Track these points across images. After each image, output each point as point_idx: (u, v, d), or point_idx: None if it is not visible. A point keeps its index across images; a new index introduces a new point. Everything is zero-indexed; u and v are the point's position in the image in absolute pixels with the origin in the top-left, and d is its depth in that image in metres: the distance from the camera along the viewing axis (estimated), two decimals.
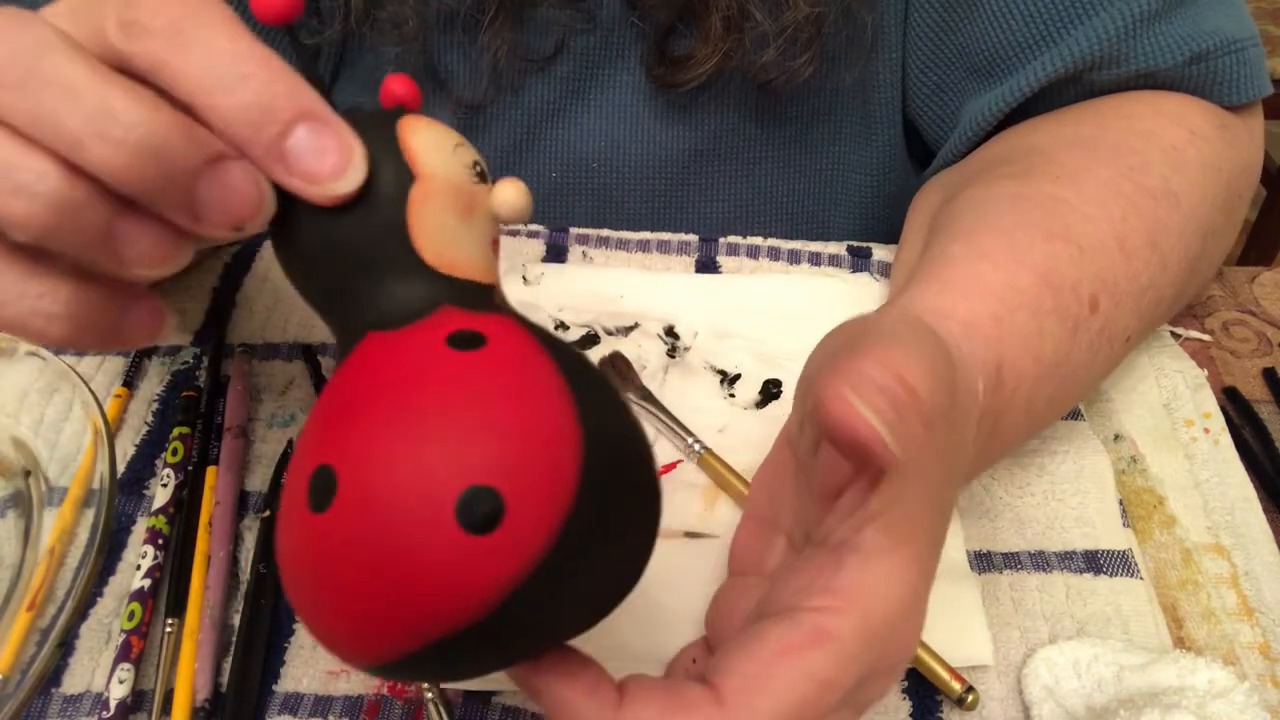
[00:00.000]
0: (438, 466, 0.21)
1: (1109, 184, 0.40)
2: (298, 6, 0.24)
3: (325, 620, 0.23)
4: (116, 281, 0.25)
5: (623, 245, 0.51)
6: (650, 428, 0.43)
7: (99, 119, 0.22)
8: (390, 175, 0.25)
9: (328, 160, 0.24)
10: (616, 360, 0.45)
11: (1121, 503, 0.41)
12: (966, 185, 0.43)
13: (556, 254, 0.51)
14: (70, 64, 0.22)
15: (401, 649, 0.22)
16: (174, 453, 0.40)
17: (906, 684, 0.35)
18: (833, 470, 0.28)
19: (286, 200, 0.25)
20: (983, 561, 0.39)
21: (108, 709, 0.33)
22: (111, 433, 0.36)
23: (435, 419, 0.22)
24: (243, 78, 0.23)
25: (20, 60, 0.22)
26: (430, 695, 0.34)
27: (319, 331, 0.47)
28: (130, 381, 0.44)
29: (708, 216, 0.55)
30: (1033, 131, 0.46)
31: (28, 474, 0.38)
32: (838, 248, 0.52)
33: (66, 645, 0.35)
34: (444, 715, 0.34)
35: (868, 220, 0.57)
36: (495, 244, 0.27)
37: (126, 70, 0.23)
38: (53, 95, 0.22)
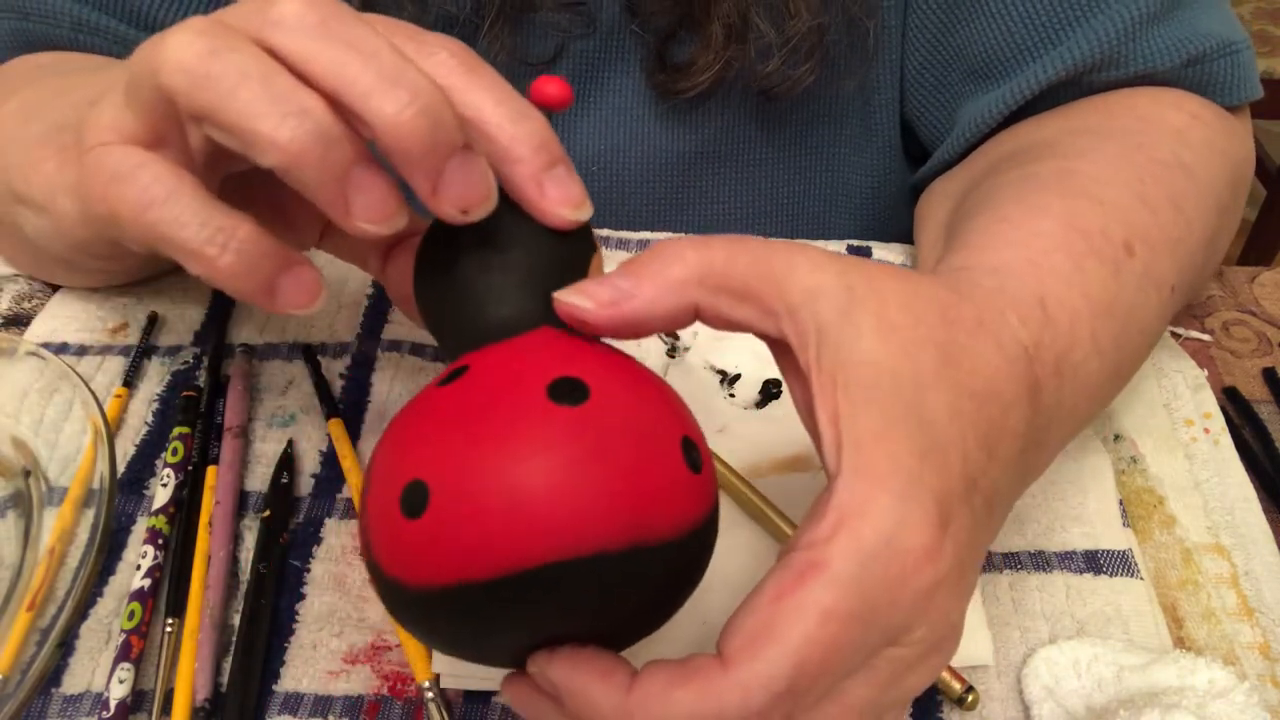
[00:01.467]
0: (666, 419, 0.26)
1: (1120, 154, 0.40)
2: (568, 99, 0.29)
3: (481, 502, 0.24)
4: (288, 244, 0.28)
5: (623, 245, 0.51)
6: None
7: (393, 76, 0.25)
8: (587, 241, 0.30)
9: (574, 192, 0.28)
10: None
11: (1121, 503, 0.41)
12: (980, 183, 0.43)
13: None
14: (371, 32, 0.26)
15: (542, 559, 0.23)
16: (174, 453, 0.40)
17: None
18: (796, 393, 0.28)
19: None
20: (983, 561, 0.39)
21: (108, 709, 0.33)
22: (111, 433, 0.36)
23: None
24: (527, 116, 0.27)
25: (322, 15, 0.26)
26: (430, 695, 0.34)
27: (319, 331, 0.47)
28: (130, 381, 0.44)
29: (707, 219, 0.55)
30: (1038, 128, 0.46)
31: (28, 474, 0.38)
32: (838, 246, 0.52)
33: (66, 645, 0.35)
34: (444, 715, 0.34)
35: (868, 220, 0.57)
36: None
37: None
38: (352, 50, 0.25)
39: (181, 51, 0.25)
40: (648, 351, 0.46)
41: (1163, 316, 0.39)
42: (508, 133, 0.27)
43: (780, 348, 0.28)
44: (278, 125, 0.25)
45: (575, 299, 0.27)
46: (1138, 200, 0.37)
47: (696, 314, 0.28)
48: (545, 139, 0.27)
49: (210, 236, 0.26)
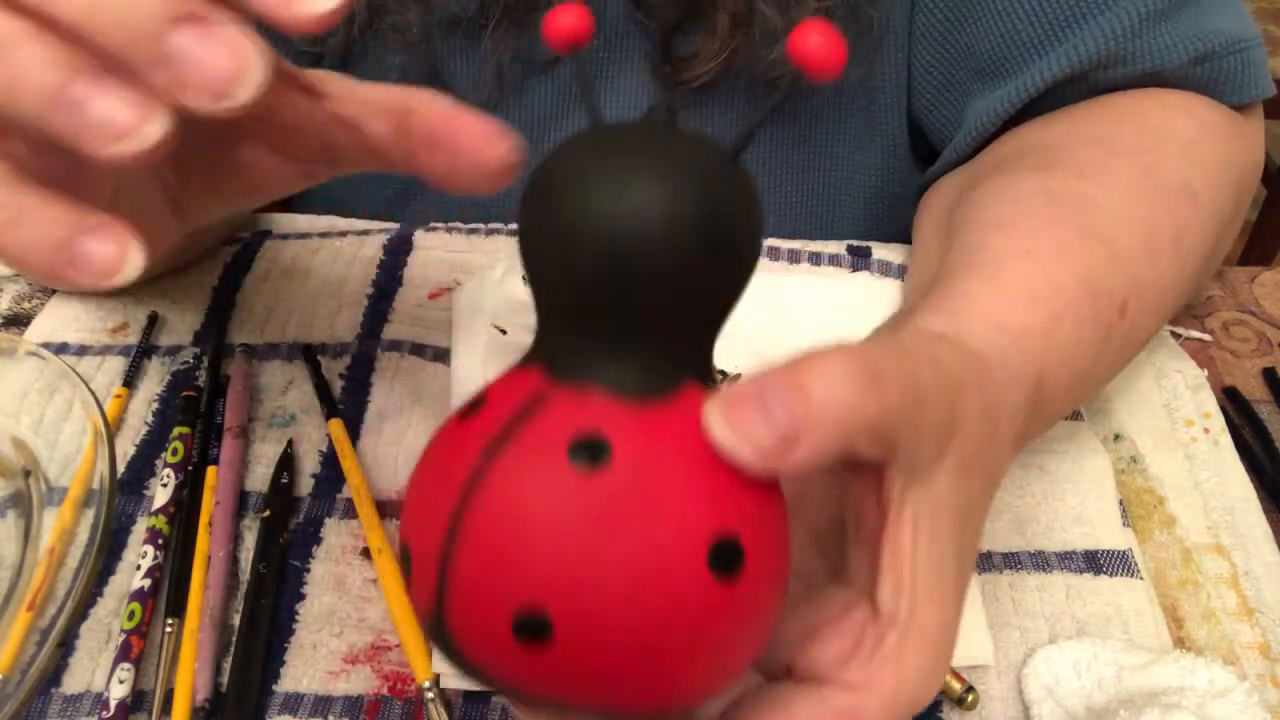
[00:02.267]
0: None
1: (1131, 181, 0.40)
2: (588, 34, 0.23)
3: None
4: (77, 201, 0.23)
5: None
6: None
7: None
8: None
9: (220, 62, 0.21)
10: None
11: (1121, 503, 0.41)
12: (987, 177, 0.43)
13: None
14: None
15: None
16: (174, 453, 0.40)
17: None
18: (859, 511, 0.27)
19: None
20: (983, 561, 0.39)
21: (108, 709, 0.33)
22: (111, 433, 0.36)
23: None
24: None
25: None
26: (430, 695, 0.34)
27: (319, 331, 0.47)
28: (130, 381, 0.44)
29: None
30: (1046, 128, 0.46)
31: (28, 474, 0.38)
32: (838, 247, 0.52)
33: (66, 645, 0.35)
34: (444, 715, 0.34)
35: (871, 219, 0.57)
36: None
37: None
38: None
39: None
40: None
41: (1130, 361, 0.41)
42: (84, 20, 0.21)
43: (857, 467, 0.26)
44: None
45: (735, 446, 0.22)
46: (1143, 248, 0.38)
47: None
48: (136, 11, 0.21)
49: None
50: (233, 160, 0.32)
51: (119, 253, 0.23)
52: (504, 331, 0.46)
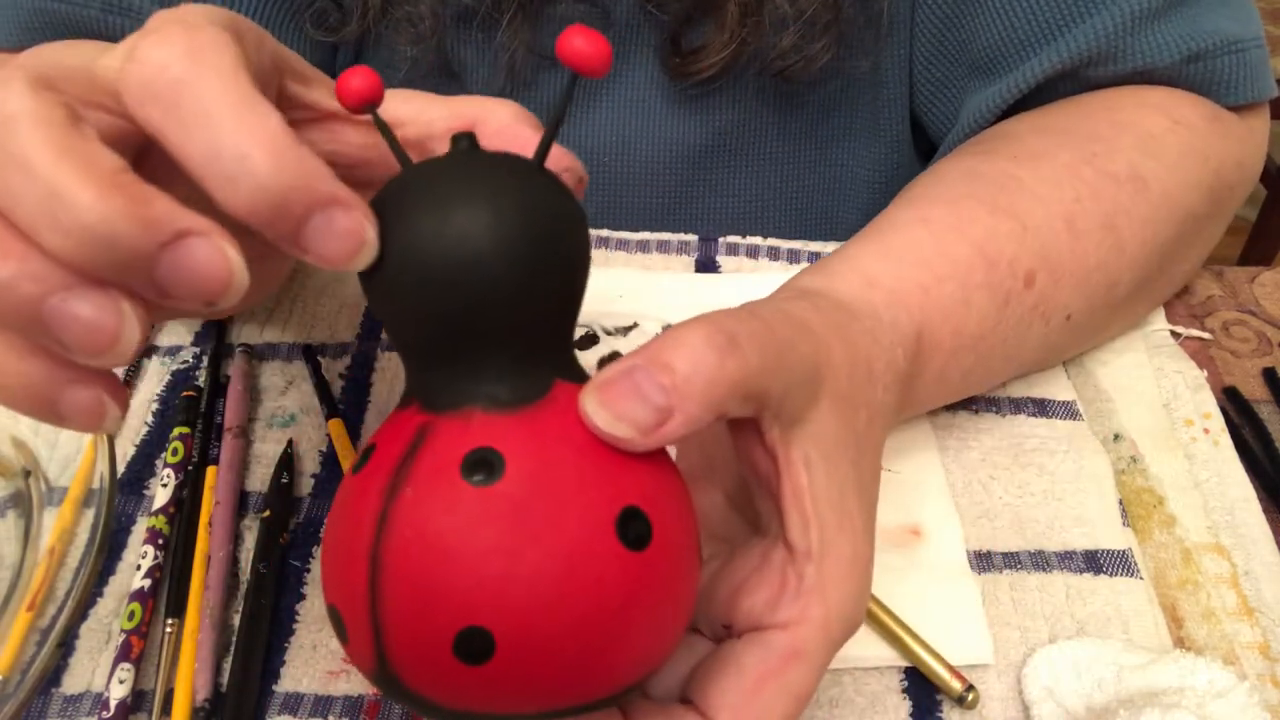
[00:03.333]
0: None
1: (1067, 166, 0.41)
2: (378, 93, 0.24)
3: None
4: (61, 363, 0.23)
5: (622, 245, 0.51)
6: None
7: (49, 204, 0.20)
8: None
9: (339, 245, 0.23)
10: (616, 360, 0.45)
11: (1121, 503, 0.41)
12: (933, 166, 0.44)
13: None
14: (31, 140, 0.21)
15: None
16: (174, 453, 0.40)
17: (906, 683, 0.35)
18: (753, 465, 0.28)
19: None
20: (983, 561, 0.39)
21: (108, 709, 0.33)
22: (111, 433, 0.36)
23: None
24: (247, 172, 0.21)
25: None
26: None
27: (319, 331, 0.47)
28: (130, 381, 0.44)
29: (717, 212, 0.55)
30: (1013, 121, 0.47)
31: (28, 474, 0.38)
32: (837, 247, 0.52)
33: (66, 645, 0.35)
34: None
35: (874, 216, 0.57)
36: None
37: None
38: (12, 175, 0.21)
39: None
40: None
41: (1049, 342, 0.41)
42: (231, 206, 0.22)
43: (739, 425, 0.28)
44: None
45: (616, 429, 0.23)
46: (1064, 224, 0.39)
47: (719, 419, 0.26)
48: (275, 198, 0.22)
49: None
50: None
51: (96, 406, 0.23)
52: None
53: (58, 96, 0.22)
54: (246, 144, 0.21)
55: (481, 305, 0.23)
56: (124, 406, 0.24)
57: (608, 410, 0.23)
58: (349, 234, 0.23)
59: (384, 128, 0.25)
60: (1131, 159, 0.41)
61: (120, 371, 0.44)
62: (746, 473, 0.29)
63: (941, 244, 0.37)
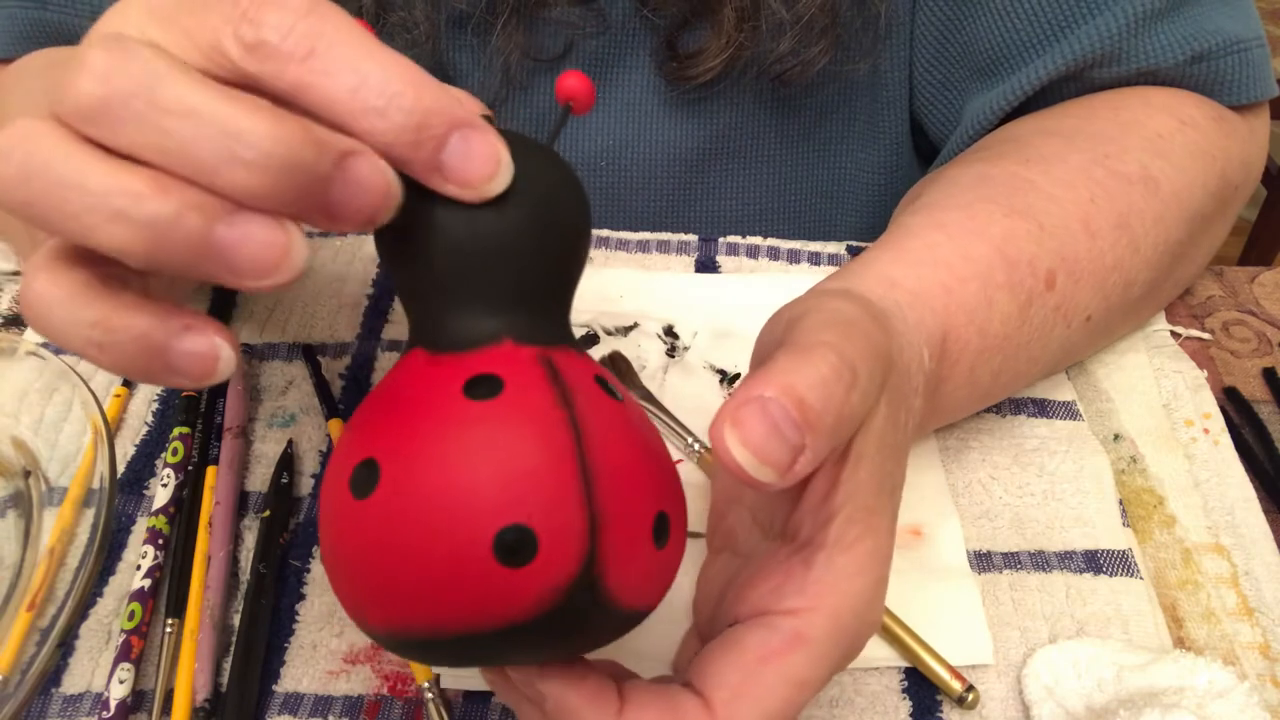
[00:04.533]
0: (481, 501, 0.23)
1: (1079, 168, 0.40)
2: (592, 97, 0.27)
3: (367, 591, 0.24)
4: (171, 311, 0.24)
5: (623, 245, 0.51)
6: None
7: (226, 142, 0.21)
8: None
9: (480, 166, 0.24)
10: (616, 360, 0.45)
11: (1121, 503, 0.41)
12: (940, 172, 0.44)
13: None
14: (188, 89, 0.22)
15: (424, 637, 0.24)
16: (174, 453, 0.40)
17: (906, 683, 0.35)
18: None
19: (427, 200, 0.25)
20: (983, 561, 0.39)
21: (108, 709, 0.33)
22: (111, 433, 0.36)
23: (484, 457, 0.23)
24: (394, 97, 0.23)
25: (135, 92, 0.21)
26: (430, 695, 0.34)
27: (319, 331, 0.47)
28: (130, 381, 0.44)
29: (716, 214, 0.55)
30: (1019, 124, 0.47)
31: (28, 474, 0.38)
32: (837, 247, 0.52)
33: (66, 645, 0.35)
34: (444, 715, 0.34)
35: (873, 219, 0.57)
36: None
37: (251, 89, 0.23)
38: (177, 124, 0.21)
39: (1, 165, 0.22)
40: (648, 352, 0.46)
41: (1070, 343, 0.41)
42: (379, 135, 0.23)
43: None
44: (108, 231, 0.21)
45: (760, 474, 0.24)
46: (1079, 225, 0.39)
47: None
48: (421, 120, 0.23)
49: (87, 336, 0.23)
50: None
51: (210, 350, 0.23)
52: None
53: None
54: (390, 76, 0.23)
55: (559, 258, 0.27)
56: (236, 349, 0.24)
57: (749, 452, 0.24)
58: (486, 155, 0.24)
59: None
60: (1142, 160, 0.41)
61: None
62: None
63: (960, 246, 0.37)
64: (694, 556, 0.38)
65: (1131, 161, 0.41)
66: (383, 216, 0.24)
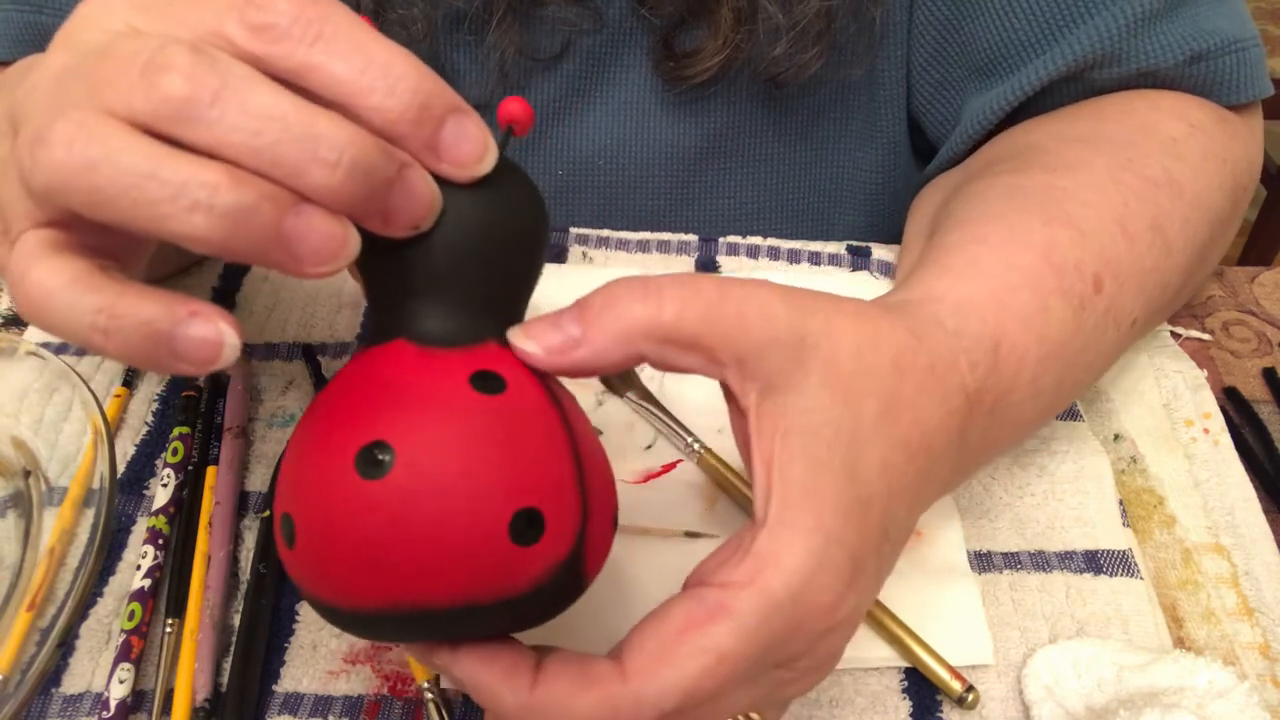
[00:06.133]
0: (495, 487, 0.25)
1: (1107, 173, 0.40)
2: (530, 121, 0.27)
3: (342, 565, 0.25)
4: (176, 298, 0.24)
5: (623, 245, 0.52)
6: (650, 428, 0.43)
7: (312, 145, 0.23)
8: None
9: (471, 147, 0.26)
10: None
11: (1121, 503, 0.41)
12: (966, 184, 0.43)
13: (556, 254, 0.51)
14: (272, 93, 0.23)
15: (417, 610, 0.25)
16: (174, 453, 0.40)
17: (906, 683, 0.35)
18: (738, 437, 0.29)
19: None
20: (983, 561, 0.39)
21: (108, 709, 0.33)
22: (111, 433, 0.36)
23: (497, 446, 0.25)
24: (399, 79, 0.24)
25: (221, 94, 0.23)
26: (430, 695, 0.34)
27: (319, 331, 0.47)
28: (130, 381, 0.44)
29: (713, 214, 0.55)
30: (1031, 130, 0.46)
31: (28, 474, 0.38)
32: (837, 247, 0.52)
33: (66, 645, 0.35)
34: (444, 715, 0.34)
35: (872, 218, 0.57)
36: None
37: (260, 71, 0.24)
38: (266, 126, 0.23)
39: (58, 154, 0.23)
40: None
41: (1119, 348, 0.40)
42: (383, 113, 0.24)
43: (726, 390, 0.29)
44: (185, 219, 0.22)
45: (524, 343, 0.27)
46: (1118, 228, 0.38)
47: (642, 360, 0.28)
48: (424, 101, 0.25)
49: (91, 323, 0.24)
50: None
51: (215, 337, 0.24)
52: None
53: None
54: (395, 59, 0.24)
55: (517, 264, 0.28)
56: (240, 334, 0.25)
57: (523, 330, 0.27)
58: (478, 137, 0.26)
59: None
60: (1164, 163, 0.41)
61: (120, 371, 0.44)
62: (739, 448, 0.29)
63: (1004, 256, 0.36)
64: (695, 556, 0.38)
65: (1154, 165, 0.41)
66: (426, 223, 0.26)
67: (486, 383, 0.26)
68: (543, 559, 0.25)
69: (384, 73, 0.24)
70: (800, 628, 0.26)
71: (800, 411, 0.27)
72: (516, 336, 0.27)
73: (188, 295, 0.24)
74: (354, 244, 0.24)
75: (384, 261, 0.27)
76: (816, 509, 0.27)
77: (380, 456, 0.24)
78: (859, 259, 0.52)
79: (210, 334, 0.24)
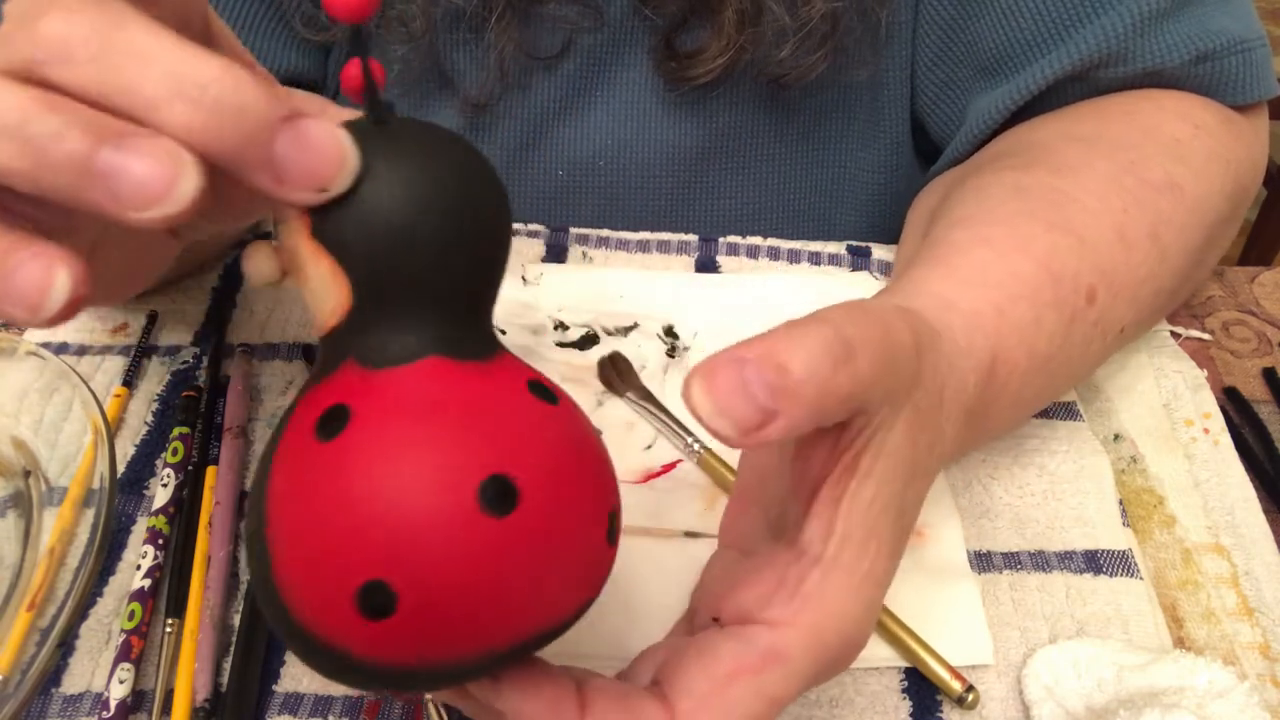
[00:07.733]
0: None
1: (1110, 177, 0.40)
2: (374, 5, 0.23)
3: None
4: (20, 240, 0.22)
5: (623, 245, 0.51)
6: (650, 428, 0.43)
7: (174, 80, 0.21)
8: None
9: (315, 158, 0.22)
10: (616, 360, 0.45)
11: (1121, 503, 0.41)
12: (967, 179, 0.43)
13: (556, 254, 0.51)
14: (145, 33, 0.21)
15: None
16: (174, 453, 0.40)
17: (906, 683, 0.35)
18: (808, 462, 0.28)
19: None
20: (983, 561, 0.39)
21: (108, 709, 0.33)
22: (111, 433, 0.36)
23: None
24: (210, 84, 0.21)
25: (95, 35, 0.21)
26: (430, 695, 0.34)
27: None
28: (130, 381, 0.44)
29: (714, 214, 0.55)
30: (1034, 128, 0.46)
31: (28, 474, 0.38)
32: (837, 247, 0.52)
33: (66, 645, 0.35)
34: (443, 715, 0.34)
35: (873, 218, 0.57)
36: None
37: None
38: (126, 62, 0.21)
39: None
40: (647, 352, 0.46)
41: (1103, 356, 0.41)
42: (191, 117, 0.21)
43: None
44: None
45: (717, 424, 0.23)
46: (1116, 237, 0.39)
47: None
48: (242, 103, 0.21)
49: None
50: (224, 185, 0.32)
51: (44, 280, 0.22)
52: (503, 331, 0.46)
53: None
54: (203, 66, 0.21)
55: (442, 259, 0.24)
56: (77, 278, 0.22)
57: (710, 401, 0.23)
58: (324, 146, 0.22)
59: (365, 52, 0.24)
60: (1166, 166, 0.41)
61: (120, 371, 0.44)
62: (794, 472, 0.28)
63: (1008, 263, 0.36)
64: (694, 556, 0.38)
65: (1156, 168, 0.41)
66: (336, 185, 0.22)
67: (546, 393, 0.25)
68: (613, 557, 0.25)
69: (193, 80, 0.21)
70: (838, 664, 0.27)
71: (889, 451, 0.27)
72: (698, 398, 0.23)
73: (37, 238, 0.22)
74: (185, 188, 0.21)
75: (364, 268, 0.24)
76: (873, 553, 0.26)
77: (506, 491, 0.22)
78: (859, 259, 0.52)
79: (36, 278, 0.22)
